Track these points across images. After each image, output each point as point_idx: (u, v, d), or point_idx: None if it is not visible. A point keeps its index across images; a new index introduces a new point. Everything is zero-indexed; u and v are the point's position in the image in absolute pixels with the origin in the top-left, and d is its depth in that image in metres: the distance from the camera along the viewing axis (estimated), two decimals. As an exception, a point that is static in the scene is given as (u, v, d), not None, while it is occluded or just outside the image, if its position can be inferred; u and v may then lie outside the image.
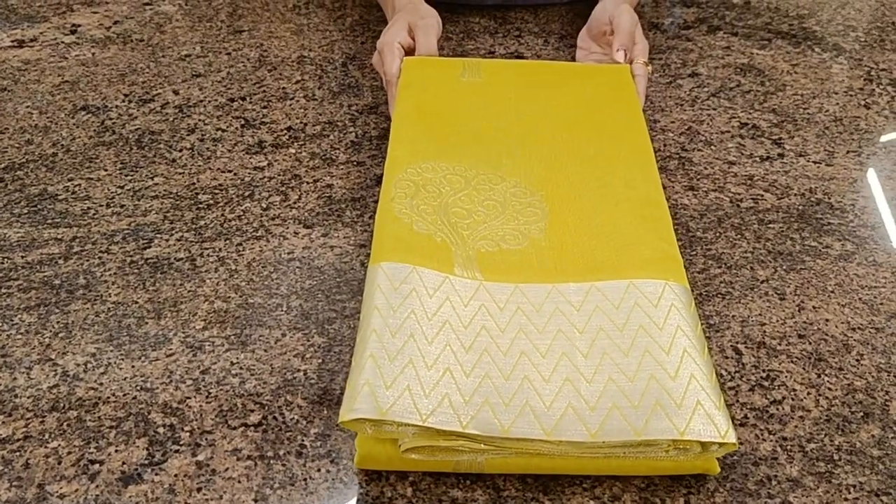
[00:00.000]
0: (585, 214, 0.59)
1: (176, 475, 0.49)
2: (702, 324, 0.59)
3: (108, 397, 0.53)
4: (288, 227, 0.67)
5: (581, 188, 0.61)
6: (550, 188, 0.61)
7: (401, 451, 0.46)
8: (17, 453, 0.50)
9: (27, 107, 0.82)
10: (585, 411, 0.46)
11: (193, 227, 0.67)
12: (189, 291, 0.61)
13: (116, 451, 0.50)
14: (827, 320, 0.60)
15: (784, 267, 0.64)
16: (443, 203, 0.59)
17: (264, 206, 0.70)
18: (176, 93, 0.85)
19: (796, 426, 0.52)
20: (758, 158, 0.76)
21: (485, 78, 0.74)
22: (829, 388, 0.55)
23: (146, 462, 0.49)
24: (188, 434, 0.51)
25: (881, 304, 0.61)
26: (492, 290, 0.53)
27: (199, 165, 0.74)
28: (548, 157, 0.64)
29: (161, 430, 0.51)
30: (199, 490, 0.48)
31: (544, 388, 0.48)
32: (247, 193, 0.71)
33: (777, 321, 0.59)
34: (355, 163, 0.75)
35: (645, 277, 0.53)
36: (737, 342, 0.58)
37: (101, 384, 0.54)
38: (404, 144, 0.65)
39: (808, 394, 0.54)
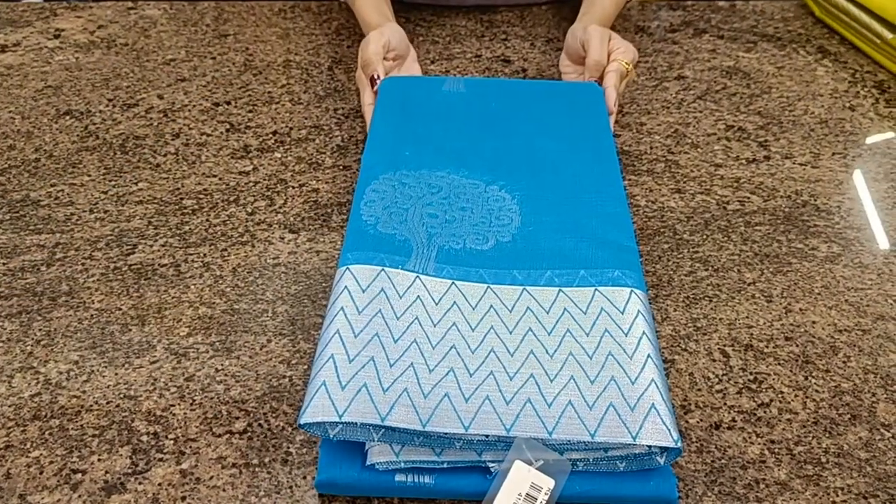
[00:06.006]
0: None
1: (160, 484, 0.48)
2: (689, 327, 0.59)
3: (91, 405, 0.53)
4: (274, 232, 0.67)
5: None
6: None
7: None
8: (-2, 463, 0.49)
9: (10, 112, 0.81)
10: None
11: (178, 232, 0.67)
12: (173, 298, 0.60)
13: (99, 460, 0.49)
14: (814, 322, 0.60)
15: (771, 269, 0.64)
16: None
17: (250, 210, 0.69)
18: (160, 97, 0.84)
19: (784, 429, 0.52)
20: (744, 161, 0.76)
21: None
22: (817, 391, 0.55)
23: (129, 471, 0.49)
24: (172, 442, 0.50)
25: (867, 305, 0.61)
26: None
27: (184, 170, 0.74)
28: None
29: (145, 438, 0.51)
30: (183, 499, 0.47)
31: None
32: (232, 198, 0.70)
33: (764, 323, 0.59)
34: (341, 167, 0.74)
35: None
36: (724, 345, 0.58)
37: (84, 392, 0.53)
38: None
39: (796, 396, 0.54)
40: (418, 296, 0.52)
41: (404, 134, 0.67)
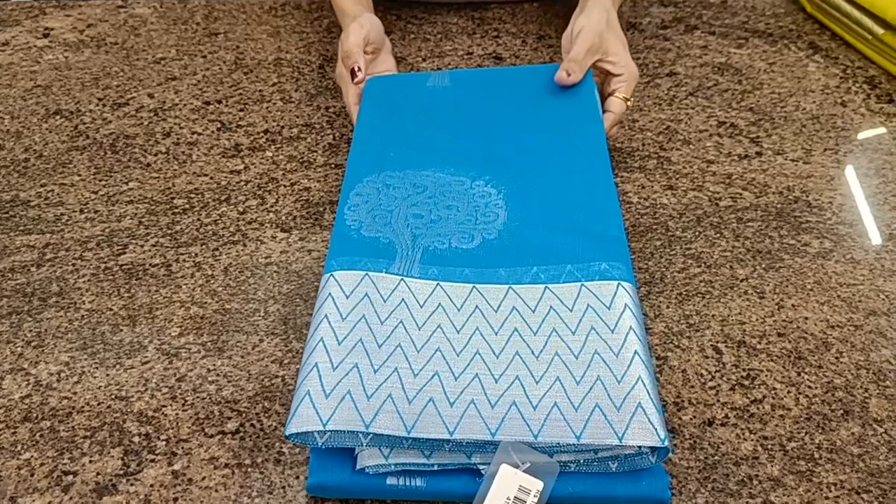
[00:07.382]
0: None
1: (152, 485, 0.48)
2: (682, 323, 0.59)
3: (82, 406, 0.52)
4: (265, 231, 0.66)
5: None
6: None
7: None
8: (-11, 465, 0.49)
9: (-2, 112, 0.81)
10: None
11: (169, 232, 0.66)
12: (164, 298, 0.60)
13: (90, 461, 0.49)
14: (806, 318, 0.60)
15: (763, 265, 0.64)
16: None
17: (241, 210, 0.69)
18: (151, 96, 0.84)
19: (777, 425, 0.52)
20: (736, 157, 0.76)
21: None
22: (809, 387, 0.55)
23: (121, 472, 0.48)
24: (164, 443, 0.50)
25: (859, 301, 0.61)
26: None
27: (175, 170, 0.73)
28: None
29: (136, 439, 0.50)
30: (175, 500, 0.47)
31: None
32: (223, 197, 0.70)
33: (757, 320, 0.59)
34: (333, 165, 0.74)
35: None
36: (717, 341, 0.58)
37: (75, 393, 0.53)
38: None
39: (789, 392, 0.54)
40: (403, 299, 0.52)
41: (388, 134, 0.67)
